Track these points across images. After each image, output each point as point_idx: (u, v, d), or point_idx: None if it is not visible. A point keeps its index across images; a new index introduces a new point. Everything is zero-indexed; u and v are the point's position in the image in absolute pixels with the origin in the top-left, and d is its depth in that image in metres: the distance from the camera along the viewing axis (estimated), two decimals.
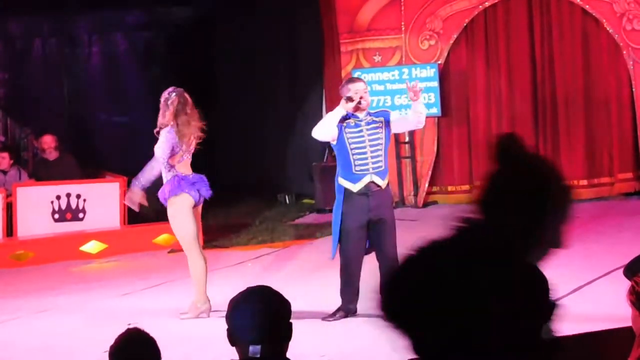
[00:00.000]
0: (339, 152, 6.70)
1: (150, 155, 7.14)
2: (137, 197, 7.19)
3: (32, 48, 16.37)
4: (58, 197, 10.48)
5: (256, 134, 14.22)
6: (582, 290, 6.95)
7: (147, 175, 7.16)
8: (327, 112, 6.90)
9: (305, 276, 7.95)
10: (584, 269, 7.60)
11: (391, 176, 12.26)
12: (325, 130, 6.60)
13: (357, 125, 6.63)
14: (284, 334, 2.61)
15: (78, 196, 10.55)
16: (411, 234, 10.99)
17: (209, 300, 7.05)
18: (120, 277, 9.07)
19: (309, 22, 12.84)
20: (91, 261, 9.98)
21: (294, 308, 2.73)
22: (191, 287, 7.20)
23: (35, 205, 10.37)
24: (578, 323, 5.59)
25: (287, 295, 2.75)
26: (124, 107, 16.29)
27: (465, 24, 11.74)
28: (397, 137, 11.96)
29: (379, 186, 6.63)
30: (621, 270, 3.02)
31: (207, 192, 7.14)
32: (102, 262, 9.95)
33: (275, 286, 2.78)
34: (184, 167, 7.08)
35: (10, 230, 10.26)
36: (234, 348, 2.64)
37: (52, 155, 11.33)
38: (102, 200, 10.65)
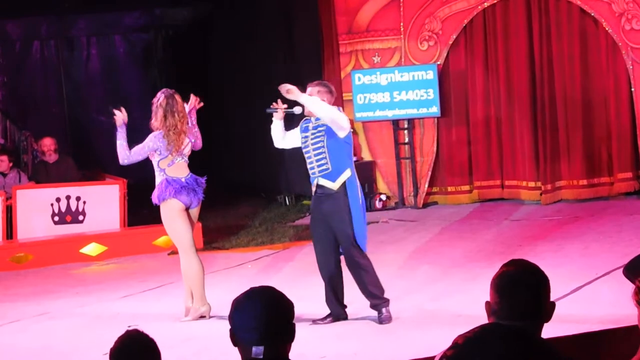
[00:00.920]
0: None
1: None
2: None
3: (30, 50, 16.38)
4: (58, 200, 10.48)
5: (255, 135, 14.21)
6: (581, 290, 6.94)
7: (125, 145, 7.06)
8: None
9: (306, 277, 7.94)
10: (584, 268, 7.60)
11: (391, 177, 12.36)
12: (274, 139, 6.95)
13: (306, 130, 6.75)
14: (287, 335, 2.60)
15: (78, 198, 10.56)
16: (411, 234, 11.02)
17: (207, 302, 7.05)
18: (120, 279, 9.07)
19: (308, 23, 12.83)
20: (91, 263, 9.98)
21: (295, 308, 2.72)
22: (185, 290, 7.18)
23: (35, 208, 10.37)
24: (577, 323, 5.59)
25: (287, 296, 2.74)
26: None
27: (464, 25, 11.74)
28: (396, 138, 11.99)
29: (329, 188, 6.61)
30: (621, 270, 3.02)
31: (198, 197, 7.09)
32: (101, 265, 9.95)
33: (276, 288, 2.77)
34: (176, 170, 7.03)
35: (10, 232, 10.26)
36: (234, 349, 2.63)
37: (51, 157, 11.33)
38: (102, 203, 10.65)
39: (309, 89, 6.77)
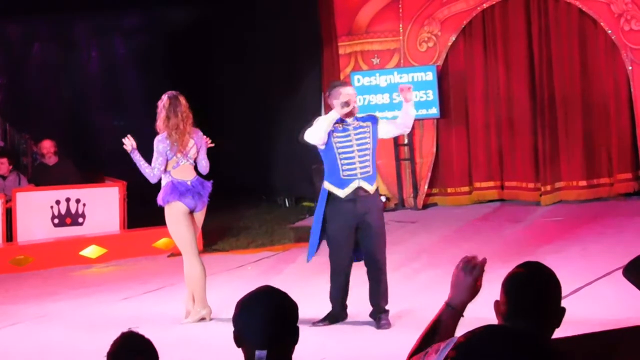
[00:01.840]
0: (327, 157, 6.60)
1: (151, 158, 7.08)
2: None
3: (30, 52, 16.37)
4: (58, 202, 10.48)
5: (255, 136, 14.22)
6: (581, 291, 6.94)
7: (145, 164, 7.01)
8: (326, 114, 6.81)
9: (306, 279, 7.94)
10: (584, 269, 7.60)
11: (390, 178, 12.36)
12: (318, 134, 6.47)
13: (344, 130, 6.54)
14: (291, 337, 2.59)
15: (77, 201, 10.56)
16: (411, 236, 11.00)
17: (208, 305, 7.06)
18: (120, 281, 9.07)
19: (307, 24, 12.84)
20: (91, 266, 9.98)
21: None
22: (187, 292, 7.19)
23: (35, 210, 10.37)
24: (577, 324, 5.59)
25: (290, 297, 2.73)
26: (122, 111, 16.28)
27: (463, 26, 11.75)
28: (396, 139, 11.96)
29: (367, 191, 6.56)
30: (621, 271, 3.02)
31: (203, 200, 7.08)
32: (101, 267, 9.95)
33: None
34: (182, 172, 7.03)
35: (10, 235, 10.26)
36: (235, 352, 2.63)
37: (51, 160, 11.33)
38: (102, 205, 10.65)
39: (348, 89, 6.65)
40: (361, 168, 6.54)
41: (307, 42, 12.88)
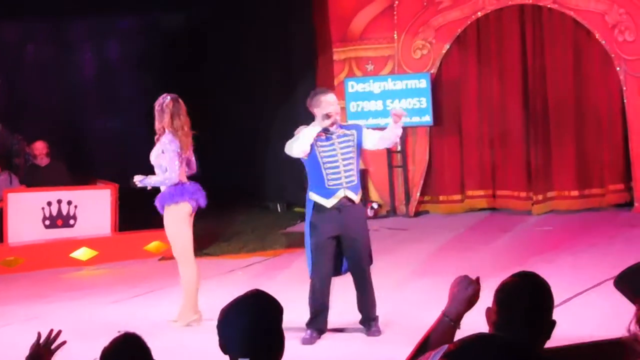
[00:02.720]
0: (311, 167, 6.52)
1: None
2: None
3: (25, 54, 16.35)
4: (49, 204, 10.45)
5: (248, 141, 14.22)
6: (572, 302, 6.95)
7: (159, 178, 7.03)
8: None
9: (297, 284, 7.93)
10: (574, 280, 7.61)
11: (383, 185, 12.37)
12: (301, 147, 6.40)
13: (328, 139, 6.47)
14: (275, 345, 2.57)
15: (69, 202, 10.53)
16: (403, 243, 10.99)
17: (199, 310, 7.04)
18: (111, 284, 9.05)
19: (302, 30, 12.85)
20: (81, 268, 9.96)
21: (285, 317, 2.70)
22: (181, 294, 7.18)
23: (26, 212, 10.34)
24: (567, 334, 5.59)
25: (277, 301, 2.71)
26: (117, 113, 16.27)
27: (457, 34, 11.77)
28: None
29: (352, 200, 6.51)
30: (611, 282, 3.02)
31: (203, 202, 7.10)
32: (92, 269, 9.93)
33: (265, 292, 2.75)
34: (183, 174, 7.05)
35: (0, 236, 10.23)
36: (222, 358, 2.62)
37: (43, 161, 11.31)
38: (93, 207, 10.63)
39: (329, 97, 6.61)
40: (346, 177, 6.47)
41: (302, 48, 12.89)
